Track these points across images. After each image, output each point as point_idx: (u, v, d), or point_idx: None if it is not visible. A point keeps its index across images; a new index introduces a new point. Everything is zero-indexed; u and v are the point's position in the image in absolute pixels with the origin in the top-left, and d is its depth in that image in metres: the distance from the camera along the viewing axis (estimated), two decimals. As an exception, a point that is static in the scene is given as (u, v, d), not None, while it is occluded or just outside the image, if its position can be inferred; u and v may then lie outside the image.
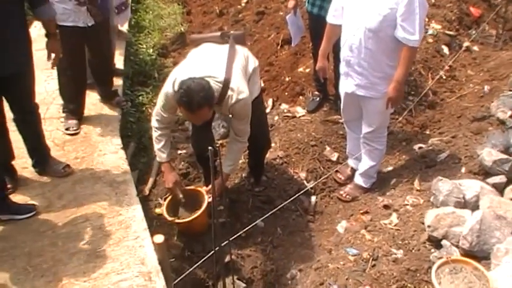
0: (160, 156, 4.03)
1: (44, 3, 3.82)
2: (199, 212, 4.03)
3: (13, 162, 4.23)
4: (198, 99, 3.38)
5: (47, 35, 3.96)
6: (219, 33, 4.10)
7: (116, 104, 5.32)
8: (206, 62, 3.77)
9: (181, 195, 4.08)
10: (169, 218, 4.09)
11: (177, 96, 3.45)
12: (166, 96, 3.72)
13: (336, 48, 4.57)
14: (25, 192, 4.17)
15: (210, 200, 3.81)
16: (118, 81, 5.69)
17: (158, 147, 4.00)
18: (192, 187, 4.40)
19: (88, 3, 4.49)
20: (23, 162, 4.38)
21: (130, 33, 7.03)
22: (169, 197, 4.22)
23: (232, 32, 4.14)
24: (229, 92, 3.63)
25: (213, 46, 3.99)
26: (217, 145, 3.36)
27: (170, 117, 3.93)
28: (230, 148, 4.13)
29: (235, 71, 3.72)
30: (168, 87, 3.69)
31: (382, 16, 3.79)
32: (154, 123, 3.96)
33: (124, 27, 6.87)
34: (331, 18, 4.26)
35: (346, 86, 4.30)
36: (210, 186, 3.83)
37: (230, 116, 3.87)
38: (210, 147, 2.98)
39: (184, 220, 4.10)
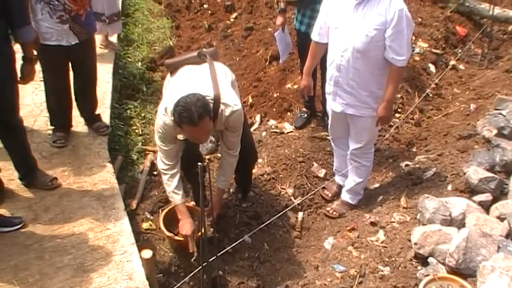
0: (174, 198, 3.92)
1: (24, 25, 3.76)
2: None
3: (-1, 175, 4.20)
4: (198, 110, 3.34)
5: (23, 58, 3.89)
6: (195, 53, 4.07)
7: (95, 129, 5.07)
8: (192, 84, 3.73)
9: (194, 249, 3.84)
10: (168, 234, 4.04)
11: (176, 116, 3.39)
12: (164, 127, 3.65)
13: (323, 66, 4.60)
14: (11, 204, 4.13)
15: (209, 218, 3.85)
16: (107, 95, 5.67)
17: (170, 189, 3.88)
18: (187, 204, 4.38)
19: (71, 21, 4.35)
20: (9, 174, 4.35)
21: (120, 46, 7.02)
22: (164, 211, 4.19)
23: (205, 50, 4.13)
24: (222, 107, 3.63)
25: (191, 68, 3.98)
26: (206, 161, 3.35)
27: (174, 148, 3.84)
28: (223, 163, 4.11)
29: (222, 86, 3.72)
30: (162, 117, 3.63)
31: (369, 37, 3.83)
32: (161, 165, 3.89)
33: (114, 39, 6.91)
34: (315, 36, 4.29)
35: (335, 105, 4.32)
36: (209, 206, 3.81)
37: (224, 129, 3.82)
38: (199, 163, 2.99)
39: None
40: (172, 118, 3.50)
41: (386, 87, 4.02)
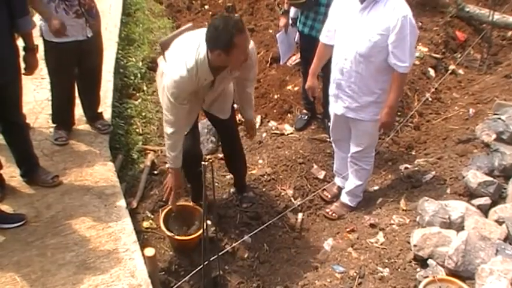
0: (176, 162, 3.92)
1: (25, 15, 3.78)
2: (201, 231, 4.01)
3: (1, 171, 4.19)
4: (236, 19, 3.38)
5: (24, 49, 3.90)
6: (190, 24, 4.06)
7: (98, 127, 5.09)
8: (197, 38, 3.60)
9: (174, 204, 4.07)
10: (168, 233, 4.05)
11: (223, 33, 3.31)
12: (181, 81, 3.50)
13: (325, 69, 4.61)
14: (13, 201, 4.15)
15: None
16: (108, 93, 5.67)
17: (175, 153, 3.85)
18: (187, 203, 4.41)
19: (86, 15, 4.42)
20: (10, 171, 4.37)
21: (119, 46, 7.02)
22: (165, 211, 4.20)
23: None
24: None
25: (190, 32, 3.85)
26: (208, 160, 3.34)
27: (184, 110, 3.72)
28: (246, 96, 4.21)
29: None
30: (179, 72, 3.49)
31: (372, 42, 3.86)
32: (168, 129, 3.77)
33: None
34: (324, 38, 4.32)
35: (336, 108, 4.36)
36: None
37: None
38: (203, 162, 3.01)
39: (186, 238, 4.08)
40: (196, 68, 3.48)
41: (389, 93, 4.04)
